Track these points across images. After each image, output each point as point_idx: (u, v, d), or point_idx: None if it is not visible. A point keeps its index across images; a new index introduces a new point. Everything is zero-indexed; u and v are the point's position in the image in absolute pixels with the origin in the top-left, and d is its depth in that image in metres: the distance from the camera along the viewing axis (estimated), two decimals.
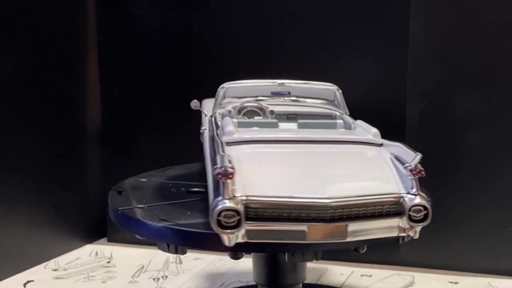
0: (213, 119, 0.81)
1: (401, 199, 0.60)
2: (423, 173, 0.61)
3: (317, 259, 0.67)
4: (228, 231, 0.56)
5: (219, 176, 0.55)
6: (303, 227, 0.57)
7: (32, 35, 1.21)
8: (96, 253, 1.32)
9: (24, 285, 1.15)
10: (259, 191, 0.57)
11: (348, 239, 0.59)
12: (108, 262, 1.27)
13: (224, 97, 0.84)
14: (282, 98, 0.87)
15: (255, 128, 0.75)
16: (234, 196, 0.56)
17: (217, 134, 0.70)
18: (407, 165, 0.61)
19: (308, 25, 1.20)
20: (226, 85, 0.84)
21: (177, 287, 1.14)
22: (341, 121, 0.82)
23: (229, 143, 0.65)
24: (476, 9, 1.11)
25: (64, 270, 1.22)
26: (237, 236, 0.56)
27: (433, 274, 1.19)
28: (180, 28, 1.28)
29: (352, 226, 0.59)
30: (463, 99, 1.14)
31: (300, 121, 0.80)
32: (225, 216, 0.55)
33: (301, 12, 1.20)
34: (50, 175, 1.27)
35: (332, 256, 1.21)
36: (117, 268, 1.23)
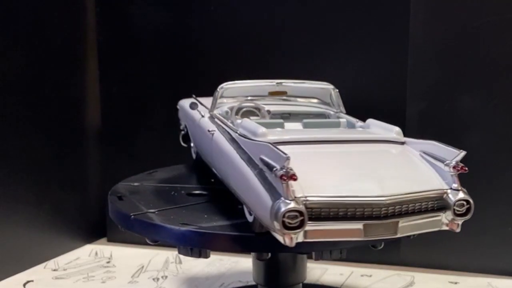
0: (219, 119, 0.80)
1: (445, 195, 0.64)
2: (466, 169, 0.64)
3: (342, 258, 0.69)
4: (292, 231, 0.56)
5: (284, 178, 0.56)
6: (359, 225, 0.59)
7: (32, 35, 1.21)
8: (96, 253, 1.32)
9: (24, 285, 1.15)
10: (318, 192, 0.59)
11: (398, 235, 0.61)
12: (108, 262, 1.27)
13: (222, 97, 0.84)
14: (277, 98, 0.89)
15: (279, 129, 0.77)
16: (296, 197, 0.57)
17: (242, 136, 0.69)
18: (448, 161, 0.64)
19: (308, 25, 1.20)
20: (225, 85, 0.84)
21: (177, 287, 1.14)
22: (344, 120, 0.83)
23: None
24: (476, 9, 1.11)
25: (64, 270, 1.22)
26: (297, 237, 0.57)
27: (433, 274, 1.19)
28: (180, 28, 1.28)
29: (403, 222, 0.61)
30: (463, 99, 1.14)
31: (305, 120, 0.81)
32: (288, 217, 0.56)
33: (301, 12, 1.20)
34: (50, 175, 1.27)
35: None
36: (117, 268, 1.23)
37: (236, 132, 0.71)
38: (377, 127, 0.76)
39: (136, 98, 1.33)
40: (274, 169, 0.57)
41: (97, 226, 1.39)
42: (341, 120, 0.83)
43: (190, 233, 0.67)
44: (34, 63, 1.22)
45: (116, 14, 1.32)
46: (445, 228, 0.64)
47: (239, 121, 0.74)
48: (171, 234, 0.69)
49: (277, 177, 0.57)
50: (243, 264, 1.22)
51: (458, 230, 0.64)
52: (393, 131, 0.73)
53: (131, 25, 1.31)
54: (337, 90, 0.88)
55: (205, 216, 0.73)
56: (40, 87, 1.24)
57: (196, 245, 0.68)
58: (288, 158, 0.57)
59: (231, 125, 0.76)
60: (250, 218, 0.67)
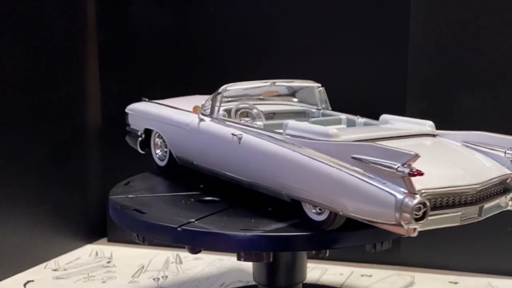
0: (233, 122, 0.81)
1: (509, 179, 0.72)
2: None
3: (388, 248, 0.76)
4: (418, 223, 0.61)
5: (413, 174, 0.59)
6: (458, 211, 0.66)
7: (32, 35, 1.21)
8: (96, 253, 1.32)
9: (24, 285, 1.15)
10: (428, 184, 0.63)
11: (482, 217, 0.69)
12: (108, 262, 1.27)
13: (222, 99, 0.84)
14: (269, 97, 0.92)
15: (341, 129, 0.79)
16: (418, 190, 0.61)
17: (306, 138, 0.71)
18: (509, 149, 0.72)
19: (309, 25, 1.20)
20: (227, 87, 0.84)
21: (177, 287, 1.14)
22: (344, 117, 0.87)
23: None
24: (476, 9, 1.11)
25: (64, 270, 1.22)
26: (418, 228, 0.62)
27: (433, 274, 1.19)
28: (180, 28, 1.28)
29: (486, 205, 0.69)
30: (463, 99, 1.14)
31: (312, 119, 0.88)
32: (416, 210, 0.60)
33: (301, 12, 1.20)
34: (50, 175, 1.27)
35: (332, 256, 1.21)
36: (117, 268, 1.23)
37: (290, 135, 0.72)
38: (403, 122, 0.80)
39: (137, 98, 1.33)
40: (396, 166, 0.60)
41: (98, 226, 1.39)
42: (341, 117, 0.87)
43: (259, 238, 0.68)
44: (34, 63, 1.22)
45: (116, 14, 1.32)
46: (510, 208, 0.73)
47: (286, 122, 0.75)
48: (236, 240, 0.69)
49: (400, 174, 0.60)
50: (243, 264, 1.22)
51: None
52: (427, 125, 0.78)
53: (131, 25, 1.31)
54: (322, 88, 0.92)
55: (252, 220, 0.73)
56: (40, 87, 1.24)
57: (264, 249, 0.70)
58: (417, 156, 0.60)
59: (256, 126, 0.78)
60: (319, 217, 0.70)
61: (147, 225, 0.75)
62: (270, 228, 0.70)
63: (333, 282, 1.15)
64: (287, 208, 0.74)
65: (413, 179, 0.60)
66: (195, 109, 0.85)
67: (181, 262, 1.25)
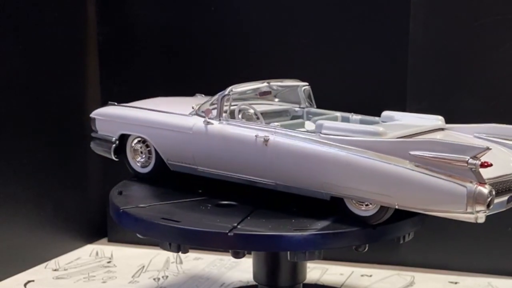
0: (251, 124, 0.81)
1: None
2: None
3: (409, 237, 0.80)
4: (488, 209, 0.66)
5: (483, 165, 0.65)
6: (505, 197, 0.71)
7: (32, 35, 1.21)
8: (97, 253, 1.32)
9: (25, 285, 1.15)
10: (489, 174, 0.67)
11: None
12: (109, 262, 1.27)
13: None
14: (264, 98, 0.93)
15: (382, 126, 0.81)
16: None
17: (349, 137, 0.73)
18: None
19: (308, 25, 1.20)
20: (234, 88, 0.84)
21: (178, 287, 1.14)
22: (339, 114, 0.90)
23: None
24: (476, 9, 1.11)
25: (65, 270, 1.22)
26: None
27: (433, 274, 1.19)
28: (181, 28, 1.28)
29: None
30: (463, 99, 1.14)
31: (314, 118, 0.90)
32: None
33: (301, 12, 1.20)
34: (50, 175, 1.27)
35: (332, 256, 1.21)
36: (118, 268, 1.23)
37: (328, 134, 0.74)
38: (412, 117, 0.85)
39: (137, 98, 1.33)
40: (466, 159, 0.65)
41: (98, 226, 1.39)
42: (337, 114, 0.90)
43: (314, 236, 0.71)
44: (34, 63, 1.22)
45: (117, 14, 1.32)
46: None
47: (320, 122, 0.76)
48: (292, 241, 0.71)
49: (472, 166, 0.65)
50: (244, 264, 1.22)
51: None
52: (439, 119, 0.83)
53: (131, 25, 1.31)
54: (307, 87, 0.94)
55: (293, 220, 0.74)
56: (40, 87, 1.24)
57: (318, 247, 0.72)
58: (488, 148, 0.65)
59: (278, 127, 0.79)
60: (367, 212, 0.73)
61: (189, 233, 0.74)
62: (320, 227, 0.72)
63: (333, 282, 1.15)
64: (309, 206, 0.77)
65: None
66: (208, 112, 0.83)
67: (181, 262, 1.25)
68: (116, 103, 0.96)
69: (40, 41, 1.23)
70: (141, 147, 0.91)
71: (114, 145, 0.93)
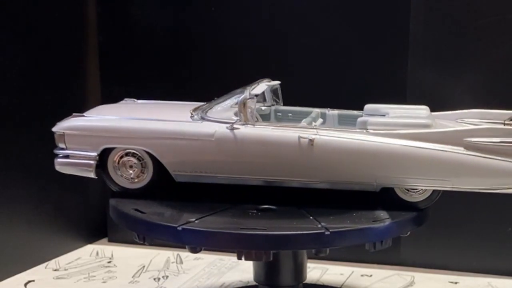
0: (286, 125, 0.81)
1: None
2: None
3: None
4: None
5: None
6: None
7: (32, 35, 1.21)
8: (97, 253, 1.32)
9: (25, 285, 1.15)
10: None
11: None
12: (109, 262, 1.27)
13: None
14: None
15: (423, 117, 0.85)
16: None
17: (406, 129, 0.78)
18: (507, 119, 0.84)
19: (308, 25, 1.20)
20: (251, 91, 0.82)
21: (178, 287, 1.14)
22: (316, 110, 0.92)
23: None
24: (476, 9, 1.11)
25: (65, 270, 1.22)
26: None
27: (433, 274, 1.19)
28: (181, 29, 1.28)
29: None
30: (463, 100, 1.14)
31: (290, 115, 0.93)
32: None
33: (301, 12, 1.20)
34: (50, 175, 1.26)
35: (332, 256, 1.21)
36: (118, 268, 1.23)
37: (375, 130, 0.78)
38: (399, 109, 0.87)
39: (137, 98, 1.33)
40: None
41: (98, 226, 1.39)
42: (315, 110, 0.92)
43: (391, 225, 0.76)
44: (35, 63, 1.23)
45: (117, 14, 1.32)
46: None
47: (364, 119, 0.79)
48: (377, 232, 0.76)
49: None
50: (244, 264, 1.22)
51: None
52: (425, 109, 0.87)
53: (132, 25, 1.31)
54: (275, 87, 0.94)
55: (354, 214, 0.79)
56: (40, 87, 1.24)
57: (393, 235, 0.78)
58: None
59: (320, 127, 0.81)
60: (419, 198, 0.80)
61: (281, 238, 0.73)
62: (388, 217, 0.77)
63: (333, 282, 1.15)
64: (337, 199, 0.81)
65: None
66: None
67: (181, 262, 1.25)
68: (84, 114, 0.88)
69: (40, 41, 1.23)
70: (131, 161, 0.83)
71: (95, 162, 0.84)
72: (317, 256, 0.75)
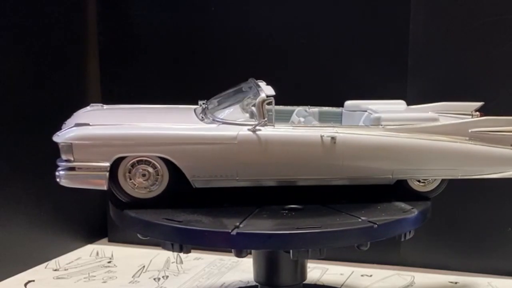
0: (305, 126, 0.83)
1: None
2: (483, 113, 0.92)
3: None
4: None
5: None
6: None
7: (33, 35, 1.21)
8: (97, 253, 1.32)
9: (25, 285, 1.15)
10: None
11: None
12: (109, 262, 1.27)
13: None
14: None
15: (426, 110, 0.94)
16: None
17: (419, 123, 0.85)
18: (473, 112, 0.93)
19: (308, 25, 1.20)
20: (266, 92, 0.82)
21: (178, 287, 1.14)
22: (296, 108, 0.95)
23: None
24: (476, 9, 1.11)
25: (65, 270, 1.22)
26: None
27: (433, 274, 1.19)
28: (181, 29, 1.28)
29: None
30: (463, 99, 1.14)
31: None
32: None
33: (301, 12, 1.20)
34: (50, 175, 1.26)
35: (332, 256, 1.21)
36: (118, 268, 1.23)
37: (390, 125, 0.83)
38: (378, 104, 0.91)
39: (137, 98, 1.33)
40: None
41: (98, 226, 1.39)
42: (296, 108, 0.95)
43: (418, 216, 0.80)
44: (35, 63, 1.23)
45: (117, 14, 1.32)
46: None
47: (376, 116, 0.84)
48: (412, 221, 0.80)
49: None
50: (244, 264, 1.22)
51: None
52: (402, 103, 0.94)
53: (132, 25, 1.31)
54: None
55: (378, 207, 0.82)
56: (40, 87, 1.24)
57: (419, 225, 0.81)
58: None
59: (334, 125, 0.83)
60: (428, 187, 0.86)
61: (336, 235, 0.74)
62: (411, 207, 0.82)
63: (333, 282, 1.15)
64: (353, 193, 0.85)
65: None
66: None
67: (181, 262, 1.25)
68: (89, 123, 0.79)
69: (40, 42, 1.23)
70: (146, 169, 0.78)
71: (107, 173, 0.77)
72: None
